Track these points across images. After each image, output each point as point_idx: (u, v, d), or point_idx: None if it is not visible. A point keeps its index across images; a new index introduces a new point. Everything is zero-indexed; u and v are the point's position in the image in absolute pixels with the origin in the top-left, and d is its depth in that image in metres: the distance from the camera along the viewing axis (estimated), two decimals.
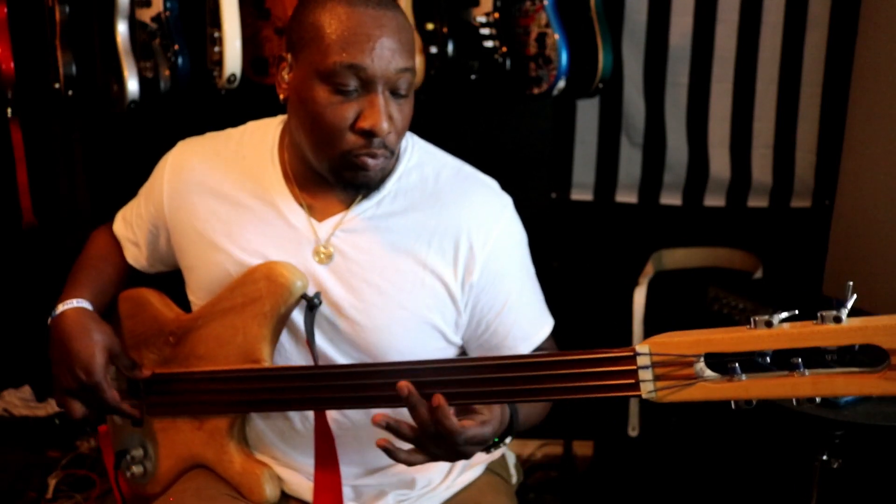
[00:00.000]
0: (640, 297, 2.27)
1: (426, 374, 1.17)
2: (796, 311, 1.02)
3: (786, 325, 1.01)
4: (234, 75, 2.07)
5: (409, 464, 1.18)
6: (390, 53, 1.22)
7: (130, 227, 1.54)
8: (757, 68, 2.43)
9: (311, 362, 1.32)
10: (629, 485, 2.39)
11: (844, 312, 0.98)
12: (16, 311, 2.56)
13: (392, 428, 1.15)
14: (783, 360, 1.01)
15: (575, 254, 2.59)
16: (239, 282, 1.35)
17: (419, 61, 2.10)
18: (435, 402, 1.12)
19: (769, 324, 1.00)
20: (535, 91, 2.20)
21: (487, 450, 1.26)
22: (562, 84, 2.18)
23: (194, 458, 1.42)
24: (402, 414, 1.17)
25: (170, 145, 1.49)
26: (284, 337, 1.36)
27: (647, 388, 1.07)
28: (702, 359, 1.05)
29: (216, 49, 2.05)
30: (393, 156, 1.31)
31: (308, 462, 1.39)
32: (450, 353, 1.40)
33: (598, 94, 2.32)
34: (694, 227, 2.54)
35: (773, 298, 2.04)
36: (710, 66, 2.44)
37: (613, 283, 2.43)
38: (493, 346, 1.38)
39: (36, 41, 2.11)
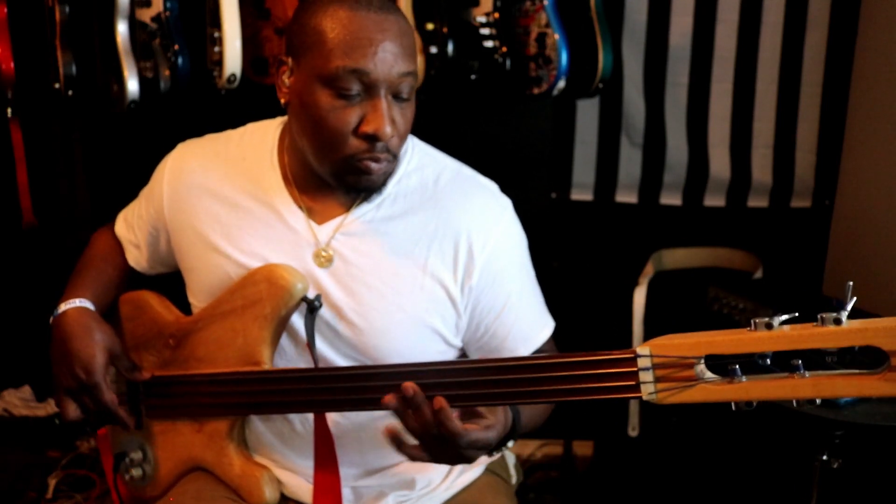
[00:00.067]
0: (640, 297, 2.27)
1: (427, 377, 1.17)
2: (797, 314, 1.03)
3: (786, 327, 1.01)
4: (234, 75, 2.06)
5: (412, 458, 1.18)
6: (393, 58, 1.22)
7: (131, 229, 1.54)
8: (757, 68, 2.42)
9: (311, 365, 1.32)
10: (629, 485, 2.39)
11: (844, 314, 0.98)
12: (16, 311, 2.55)
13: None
14: (783, 362, 1.01)
15: (575, 254, 2.58)
16: (239, 284, 1.35)
17: (419, 61, 2.09)
18: (437, 404, 1.12)
19: (769, 326, 1.01)
20: (535, 91, 2.19)
21: (489, 453, 1.26)
22: (562, 84, 2.17)
23: (194, 460, 1.42)
24: None
25: (170, 145, 1.49)
26: (285, 340, 1.35)
27: (647, 390, 1.08)
28: (702, 360, 1.05)
29: (216, 49, 2.04)
30: (395, 159, 1.31)
31: (307, 464, 1.39)
32: (450, 355, 1.40)
33: (598, 94, 2.31)
34: (694, 227, 2.54)
35: (773, 298, 2.03)
36: (710, 66, 2.44)
37: (613, 283, 2.43)
38: (493, 349, 1.38)
39: (36, 41, 2.11)
